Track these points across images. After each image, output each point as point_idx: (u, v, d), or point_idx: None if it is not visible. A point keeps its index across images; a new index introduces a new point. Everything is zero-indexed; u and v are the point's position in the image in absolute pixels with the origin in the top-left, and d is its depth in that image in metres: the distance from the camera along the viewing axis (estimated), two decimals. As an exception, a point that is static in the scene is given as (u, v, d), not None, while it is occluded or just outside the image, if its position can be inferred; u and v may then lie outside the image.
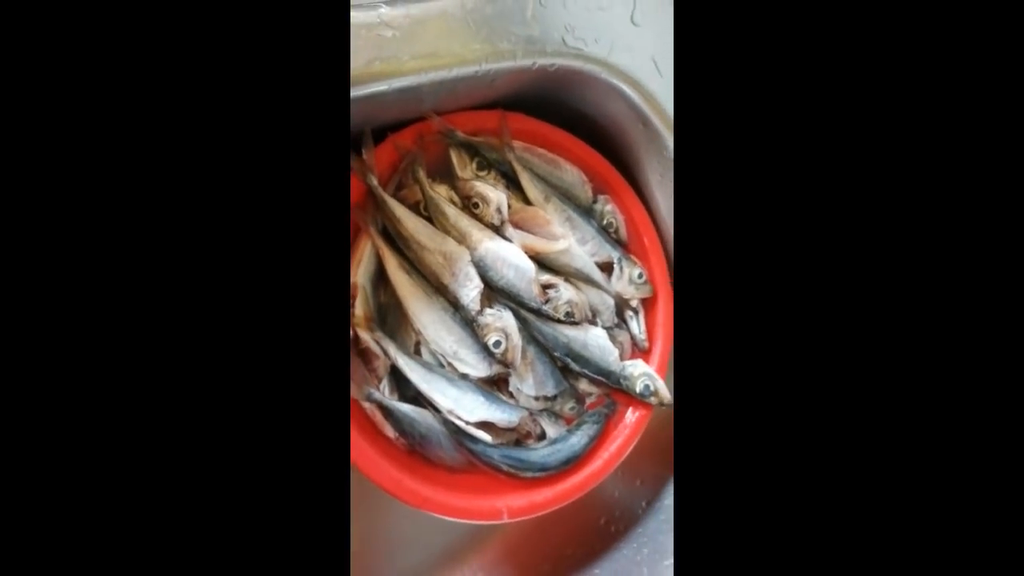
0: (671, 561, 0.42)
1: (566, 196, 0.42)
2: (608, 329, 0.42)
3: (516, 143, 0.41)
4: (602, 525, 0.47)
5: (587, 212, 0.43)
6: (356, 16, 0.30)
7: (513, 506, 0.37)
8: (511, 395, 0.39)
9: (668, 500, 0.47)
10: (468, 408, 0.36)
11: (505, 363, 0.37)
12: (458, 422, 0.36)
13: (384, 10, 0.30)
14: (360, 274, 0.36)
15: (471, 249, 0.37)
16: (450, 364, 0.37)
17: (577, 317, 0.40)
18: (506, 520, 0.37)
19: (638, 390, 0.40)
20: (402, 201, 0.37)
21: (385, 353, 0.35)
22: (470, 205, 0.39)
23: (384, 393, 0.35)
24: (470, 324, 0.37)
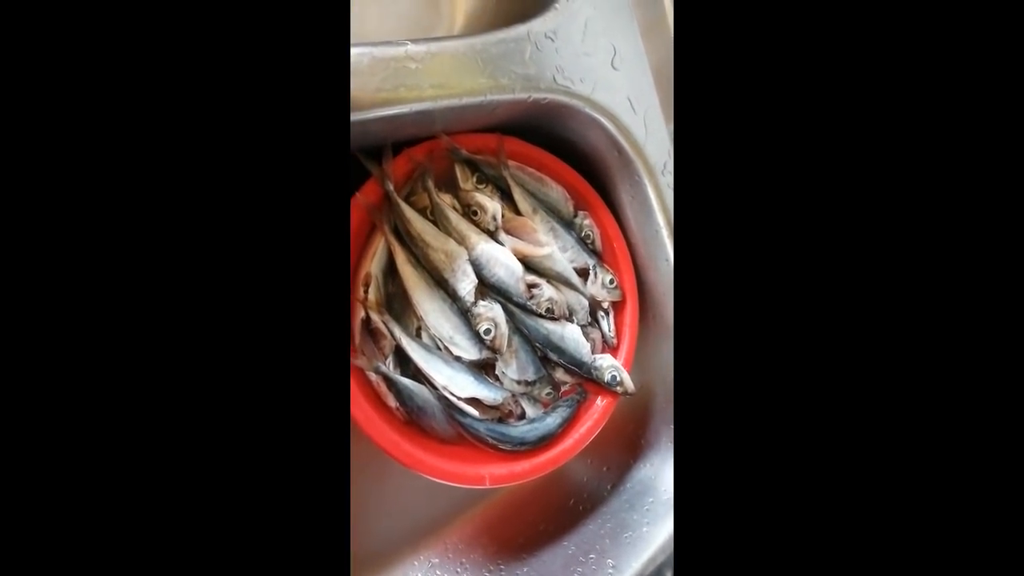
0: (630, 533, 0.47)
1: (551, 210, 0.47)
2: (582, 326, 0.46)
3: (511, 162, 0.45)
4: (571, 505, 0.51)
5: (568, 224, 0.47)
6: (386, 50, 0.35)
7: (495, 474, 0.41)
8: (497, 378, 0.43)
9: (630, 484, 0.52)
10: (460, 386, 0.40)
11: (493, 349, 0.41)
12: (451, 397, 0.40)
13: (410, 46, 0.36)
14: (374, 265, 0.40)
15: (469, 249, 0.42)
16: (446, 347, 0.41)
17: (556, 313, 0.44)
18: (488, 486, 0.41)
19: (606, 380, 0.45)
20: (412, 205, 0.41)
21: (391, 334, 0.40)
22: (470, 212, 0.43)
23: (389, 368, 0.40)
24: (465, 314, 0.41)
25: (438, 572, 0.47)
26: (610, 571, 0.44)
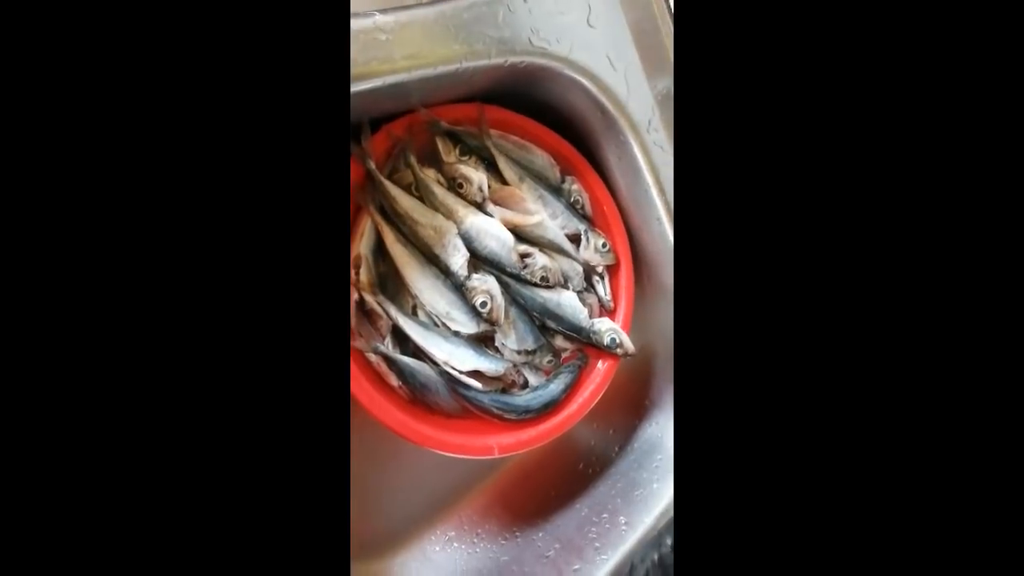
0: (641, 490, 0.48)
1: (538, 177, 0.46)
2: (578, 292, 0.46)
3: (493, 131, 0.44)
4: (581, 469, 0.52)
5: (556, 190, 0.47)
6: (355, 23, 0.34)
7: (503, 443, 0.42)
8: (497, 349, 0.43)
9: (637, 443, 0.53)
10: (461, 360, 0.41)
11: (491, 321, 0.41)
12: (452, 372, 0.40)
13: (379, 17, 0.34)
14: (363, 246, 0.39)
15: (458, 223, 0.41)
16: (443, 323, 0.41)
17: (551, 281, 0.44)
18: (497, 455, 0.41)
19: (606, 343, 0.45)
20: (396, 183, 0.41)
21: (387, 314, 0.40)
22: (455, 185, 0.42)
23: (388, 348, 0.39)
24: (459, 288, 0.41)
25: (455, 544, 0.48)
26: (623, 529, 0.45)
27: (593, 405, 0.46)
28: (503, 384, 0.43)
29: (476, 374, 0.41)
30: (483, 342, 0.43)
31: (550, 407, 0.44)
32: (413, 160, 0.41)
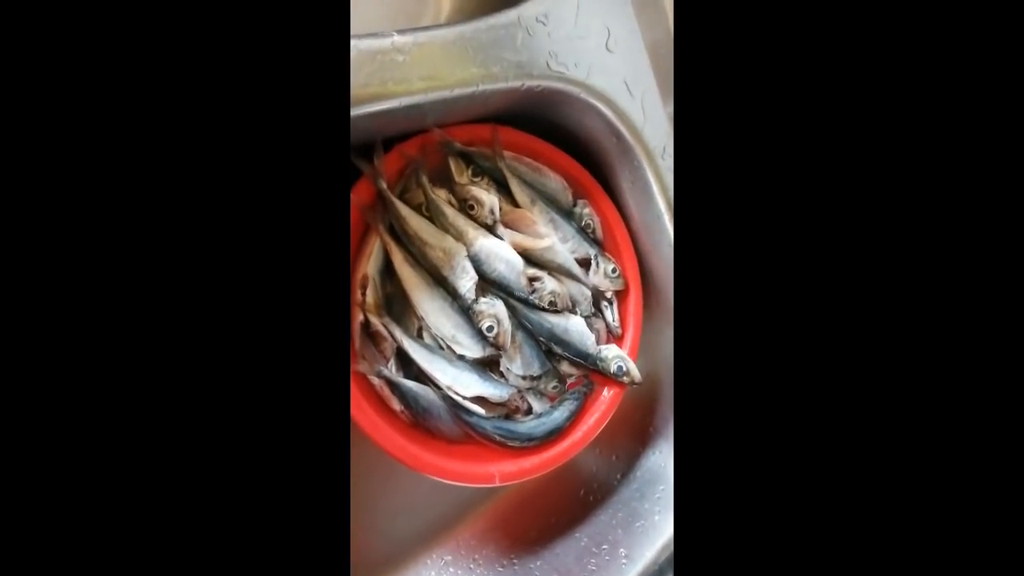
0: (642, 522, 0.47)
1: (550, 200, 0.46)
2: (586, 317, 0.45)
3: (506, 153, 0.44)
4: (582, 496, 0.51)
5: (568, 214, 0.46)
6: (372, 43, 0.34)
7: (504, 471, 0.41)
8: (502, 374, 0.42)
9: (640, 472, 0.52)
10: (464, 384, 0.40)
11: (497, 346, 0.41)
12: (456, 397, 0.40)
13: (396, 38, 0.34)
14: (370, 266, 0.39)
15: (467, 245, 0.41)
16: (449, 346, 0.40)
17: (559, 306, 0.43)
18: (498, 484, 0.40)
19: (612, 371, 0.44)
20: (407, 203, 0.40)
21: (392, 336, 0.39)
22: (466, 207, 0.42)
23: (391, 371, 0.39)
24: (466, 311, 0.40)
25: (452, 569, 0.47)
26: (623, 561, 0.44)
27: (597, 434, 0.45)
28: (507, 410, 0.42)
29: (480, 399, 0.40)
30: (488, 367, 0.42)
31: (553, 435, 0.43)
32: (425, 180, 0.41)
